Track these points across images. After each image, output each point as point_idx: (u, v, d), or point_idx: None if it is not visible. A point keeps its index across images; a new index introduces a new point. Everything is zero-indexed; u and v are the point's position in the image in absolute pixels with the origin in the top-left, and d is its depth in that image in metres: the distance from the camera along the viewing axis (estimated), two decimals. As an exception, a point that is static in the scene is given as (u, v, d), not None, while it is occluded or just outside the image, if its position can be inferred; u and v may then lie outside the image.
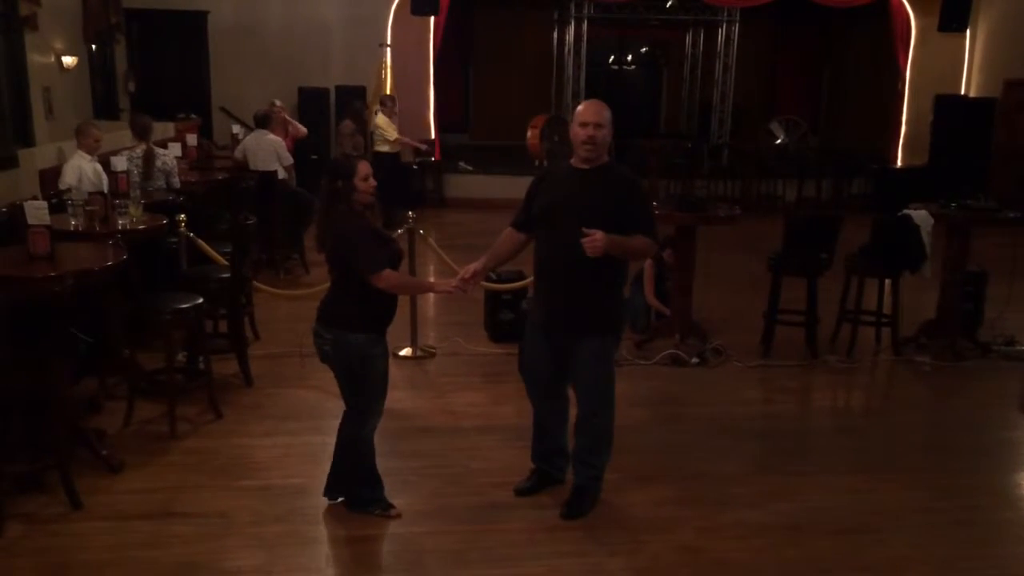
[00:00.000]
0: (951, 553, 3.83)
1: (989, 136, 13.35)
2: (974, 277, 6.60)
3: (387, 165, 10.70)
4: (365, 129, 10.69)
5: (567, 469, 4.20)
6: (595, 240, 3.57)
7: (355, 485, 3.96)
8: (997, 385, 6.07)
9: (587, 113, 3.80)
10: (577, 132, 3.79)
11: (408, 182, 12.01)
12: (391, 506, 3.97)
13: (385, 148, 10.77)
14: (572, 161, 3.90)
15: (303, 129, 9.94)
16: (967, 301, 6.55)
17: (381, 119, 10.82)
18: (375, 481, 3.97)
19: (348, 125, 10.37)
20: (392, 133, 10.77)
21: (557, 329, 3.92)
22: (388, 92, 12.19)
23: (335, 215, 3.69)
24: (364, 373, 3.77)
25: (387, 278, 3.66)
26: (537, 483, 4.20)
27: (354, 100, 11.42)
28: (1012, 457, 5.02)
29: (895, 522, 4.08)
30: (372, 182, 3.71)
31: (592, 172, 3.82)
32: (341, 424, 3.96)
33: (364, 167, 3.72)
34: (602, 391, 3.96)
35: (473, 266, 3.90)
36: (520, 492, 4.18)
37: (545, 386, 4.07)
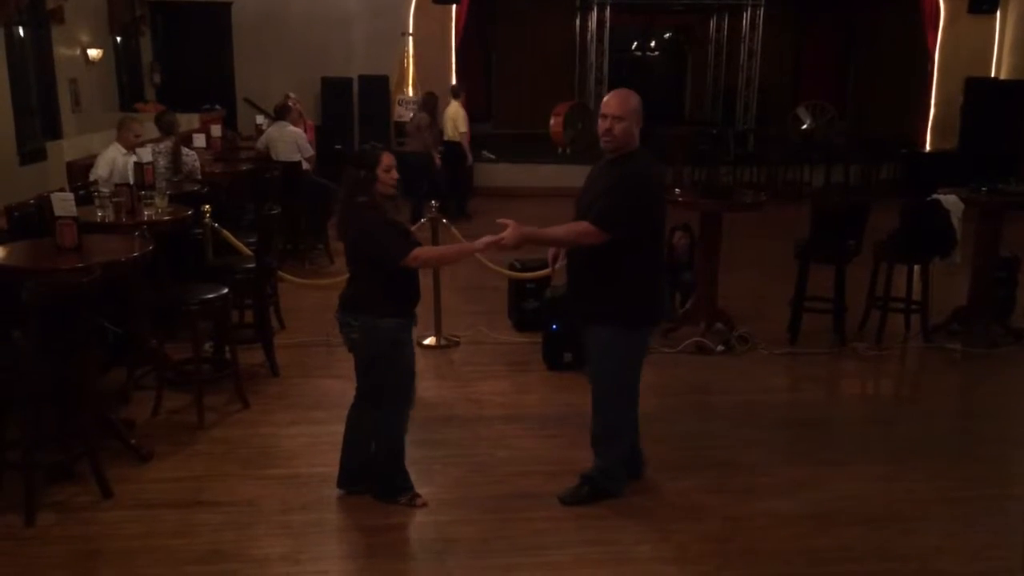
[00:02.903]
0: (982, 543, 3.77)
1: (1021, 119, 13.11)
2: (1006, 262, 6.49)
3: (459, 154, 10.76)
4: (436, 121, 10.68)
5: (639, 464, 4.20)
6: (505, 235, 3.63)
7: (384, 476, 3.97)
8: (1030, 372, 5.99)
9: (606, 104, 3.76)
10: (599, 123, 3.77)
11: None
12: (418, 495, 3.98)
13: (456, 138, 10.81)
14: None
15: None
16: (999, 287, 6.45)
17: (457, 109, 10.84)
18: (403, 471, 3.98)
19: (425, 118, 10.39)
20: (463, 124, 10.82)
21: (576, 316, 4.00)
22: (454, 82, 12.02)
23: (356, 206, 3.68)
24: (395, 358, 3.77)
25: (419, 256, 3.69)
26: None
27: (429, 93, 11.09)
28: (1045, 445, 4.95)
29: (925, 511, 4.03)
30: (394, 174, 3.68)
31: (611, 163, 3.79)
32: (354, 416, 3.96)
33: (388, 158, 3.68)
34: (602, 382, 3.93)
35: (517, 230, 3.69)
36: None
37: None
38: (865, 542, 3.77)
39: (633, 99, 3.76)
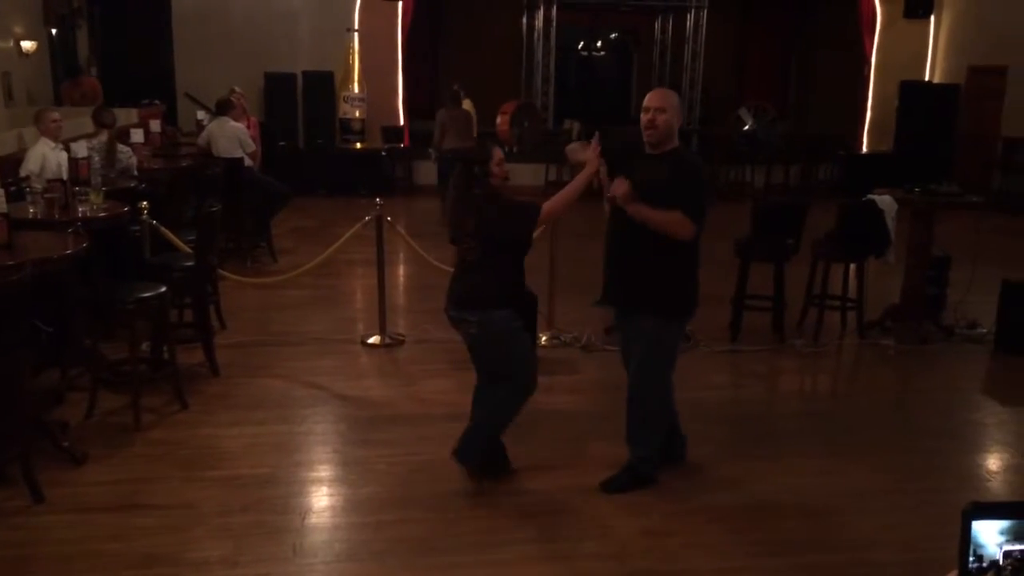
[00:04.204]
0: (916, 533, 3.87)
1: (953, 122, 13.51)
2: (938, 261, 6.68)
3: None
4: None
5: (682, 446, 4.33)
6: (616, 188, 3.77)
7: (474, 442, 4.06)
8: (960, 368, 6.17)
9: (649, 98, 3.90)
10: (641, 117, 3.89)
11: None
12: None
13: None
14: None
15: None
16: (931, 285, 6.63)
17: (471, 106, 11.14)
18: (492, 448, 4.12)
19: (464, 112, 10.58)
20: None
21: (617, 305, 4.09)
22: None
23: (475, 199, 3.81)
24: (517, 344, 3.93)
25: (548, 210, 3.87)
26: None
27: (457, 89, 11.12)
28: (975, 438, 5.10)
29: (861, 503, 4.12)
30: (506, 167, 3.89)
31: (660, 158, 3.89)
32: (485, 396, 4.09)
33: (499, 153, 3.91)
34: (647, 373, 4.03)
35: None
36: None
37: (624, 360, 4.20)
38: (803, 534, 3.84)
39: (674, 96, 3.98)
